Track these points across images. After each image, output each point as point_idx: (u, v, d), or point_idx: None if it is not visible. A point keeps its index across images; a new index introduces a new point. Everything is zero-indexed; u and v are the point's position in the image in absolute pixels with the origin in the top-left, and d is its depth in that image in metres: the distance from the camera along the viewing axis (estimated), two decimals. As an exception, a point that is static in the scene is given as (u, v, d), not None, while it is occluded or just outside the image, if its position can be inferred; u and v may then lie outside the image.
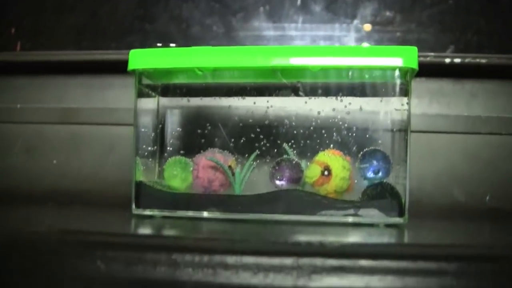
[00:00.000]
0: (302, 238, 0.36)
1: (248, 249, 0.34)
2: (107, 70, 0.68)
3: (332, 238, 0.36)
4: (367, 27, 0.70)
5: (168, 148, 0.53)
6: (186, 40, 0.70)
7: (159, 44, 0.47)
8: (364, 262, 0.33)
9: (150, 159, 0.52)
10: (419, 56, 0.46)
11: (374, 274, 0.33)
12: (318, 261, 0.33)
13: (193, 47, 0.48)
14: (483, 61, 0.64)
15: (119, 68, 0.65)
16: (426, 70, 0.63)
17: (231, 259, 0.33)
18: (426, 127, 0.66)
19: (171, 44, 0.47)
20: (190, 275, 0.33)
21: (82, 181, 0.68)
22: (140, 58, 0.48)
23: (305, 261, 0.33)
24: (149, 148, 0.51)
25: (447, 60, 0.64)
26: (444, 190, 0.65)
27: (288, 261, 0.33)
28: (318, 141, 0.49)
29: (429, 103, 0.68)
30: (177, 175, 0.51)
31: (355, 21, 0.70)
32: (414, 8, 0.71)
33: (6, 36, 0.75)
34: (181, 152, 0.52)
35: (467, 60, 0.64)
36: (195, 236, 0.38)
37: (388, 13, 0.69)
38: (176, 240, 0.36)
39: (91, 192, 0.66)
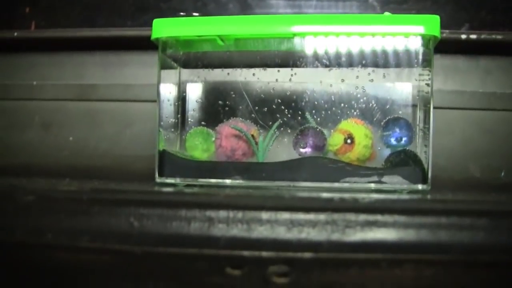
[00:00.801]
0: (335, 195, 0.36)
1: (282, 205, 0.34)
2: (124, 46, 0.68)
3: (363, 195, 0.36)
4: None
5: (189, 119, 0.53)
6: (202, 18, 0.70)
7: (182, 13, 0.47)
8: (397, 217, 0.33)
9: (172, 130, 0.52)
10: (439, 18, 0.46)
11: (408, 228, 0.33)
12: (352, 216, 0.33)
13: (216, 16, 0.48)
14: (499, 37, 0.64)
15: (136, 44, 0.66)
16: (441, 47, 0.63)
17: (265, 215, 0.33)
18: (441, 103, 0.66)
19: (194, 13, 0.47)
20: (225, 231, 0.33)
21: (99, 156, 0.68)
22: (164, 27, 0.49)
23: (339, 216, 0.33)
24: (171, 119, 0.52)
25: (463, 37, 0.64)
26: (460, 165, 0.65)
27: (322, 216, 0.33)
28: (340, 110, 0.49)
29: (444, 79, 0.68)
30: (199, 146, 0.51)
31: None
32: (428, -14, 0.71)
33: (21, 15, 0.75)
34: (203, 123, 0.52)
35: (483, 36, 0.64)
36: (229, 193, 0.38)
37: (403, -9, 0.70)
38: (210, 197, 0.37)
39: (108, 167, 0.66)
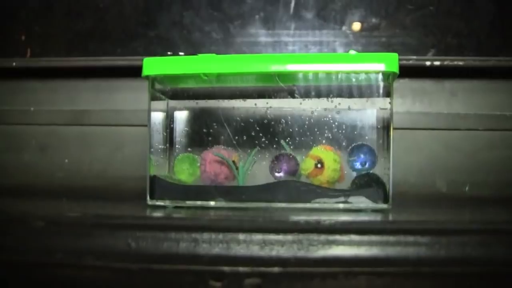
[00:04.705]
0: (301, 218, 0.44)
1: (256, 227, 0.42)
2: (114, 74, 0.76)
3: (326, 218, 0.43)
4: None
5: (177, 145, 0.60)
6: (187, 45, 0.78)
7: (169, 53, 0.55)
8: (353, 237, 0.41)
9: (161, 156, 0.59)
10: (402, 60, 0.54)
11: (362, 246, 0.41)
12: (315, 236, 0.41)
13: (199, 55, 0.55)
14: (461, 63, 0.72)
15: (126, 72, 0.74)
16: (409, 72, 0.71)
17: (242, 236, 0.41)
18: (410, 124, 0.75)
19: (180, 53, 0.54)
20: (208, 249, 0.41)
21: (92, 177, 0.76)
22: (153, 65, 0.56)
23: (304, 236, 0.41)
24: (160, 146, 0.59)
25: (428, 63, 0.72)
26: (427, 181, 0.73)
27: (289, 236, 0.41)
28: (312, 137, 0.57)
29: (412, 101, 0.76)
30: (186, 170, 0.59)
31: (344, 27, 0.78)
32: (398, 13, 0.78)
33: (16, 42, 0.82)
34: (189, 149, 0.60)
35: (446, 62, 0.72)
36: (211, 218, 0.46)
37: (374, 20, 0.78)
38: (195, 221, 0.44)
39: (101, 187, 0.74)
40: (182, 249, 0.41)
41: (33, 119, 0.77)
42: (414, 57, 0.73)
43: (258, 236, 0.41)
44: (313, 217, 0.44)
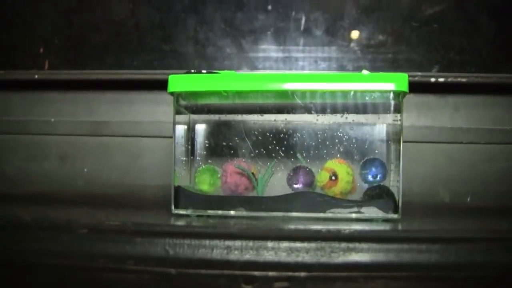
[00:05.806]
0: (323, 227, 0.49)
1: (283, 236, 0.47)
2: (133, 87, 0.81)
3: (345, 227, 0.49)
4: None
5: (198, 158, 0.65)
6: (201, 60, 0.83)
7: (192, 71, 0.60)
8: (371, 245, 0.46)
9: (184, 167, 0.64)
10: (408, 76, 0.59)
11: (379, 252, 0.46)
12: (336, 244, 0.46)
13: (221, 73, 0.61)
14: (463, 80, 0.78)
15: (143, 85, 0.79)
16: (414, 88, 0.76)
17: (270, 243, 0.47)
18: (415, 138, 0.80)
19: (203, 71, 0.60)
20: (239, 255, 0.47)
21: (111, 186, 0.80)
22: (178, 82, 0.61)
23: (326, 244, 0.46)
24: (183, 158, 0.64)
25: (432, 80, 0.78)
26: (431, 191, 0.79)
27: (313, 244, 0.47)
28: (326, 151, 0.62)
29: (417, 116, 0.81)
30: (207, 181, 0.64)
31: (352, 44, 0.83)
32: (403, 31, 0.84)
33: (35, 55, 0.87)
34: (209, 161, 0.65)
35: (449, 79, 0.78)
36: (242, 227, 0.51)
37: (380, 37, 0.83)
38: (227, 229, 0.49)
39: (119, 195, 0.79)
40: (216, 255, 0.47)
41: (54, 130, 0.82)
42: (420, 73, 0.78)
43: (285, 244, 0.47)
44: (334, 227, 0.49)
